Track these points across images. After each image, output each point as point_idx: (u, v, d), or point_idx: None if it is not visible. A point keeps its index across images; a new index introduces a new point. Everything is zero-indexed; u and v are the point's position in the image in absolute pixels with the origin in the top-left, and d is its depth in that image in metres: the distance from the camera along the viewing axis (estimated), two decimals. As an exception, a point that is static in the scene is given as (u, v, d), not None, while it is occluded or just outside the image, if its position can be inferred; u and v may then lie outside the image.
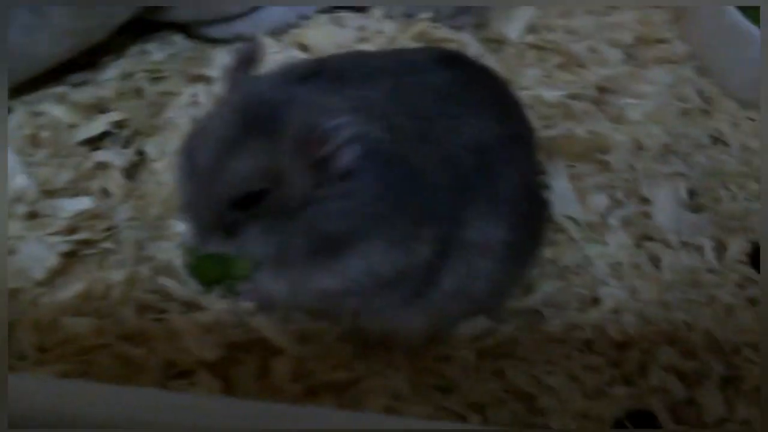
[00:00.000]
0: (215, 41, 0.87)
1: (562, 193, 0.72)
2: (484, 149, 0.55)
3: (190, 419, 0.40)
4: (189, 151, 0.51)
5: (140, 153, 0.75)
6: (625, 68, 0.88)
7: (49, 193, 0.69)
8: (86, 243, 0.66)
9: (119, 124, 0.76)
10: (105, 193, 0.71)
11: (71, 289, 0.62)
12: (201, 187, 0.50)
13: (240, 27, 0.86)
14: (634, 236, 0.71)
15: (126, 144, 0.75)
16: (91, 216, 0.67)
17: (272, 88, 0.51)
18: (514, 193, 0.57)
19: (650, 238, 0.71)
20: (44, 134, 0.74)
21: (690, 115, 0.84)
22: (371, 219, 0.51)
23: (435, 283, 0.55)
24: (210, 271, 0.63)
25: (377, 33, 0.87)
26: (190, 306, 0.61)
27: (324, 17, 0.89)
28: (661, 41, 0.94)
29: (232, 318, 0.59)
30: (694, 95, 0.86)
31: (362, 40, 0.87)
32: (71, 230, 0.66)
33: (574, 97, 0.82)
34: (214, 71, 0.82)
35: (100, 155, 0.72)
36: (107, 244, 0.67)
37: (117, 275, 0.63)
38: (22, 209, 0.66)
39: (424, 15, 0.89)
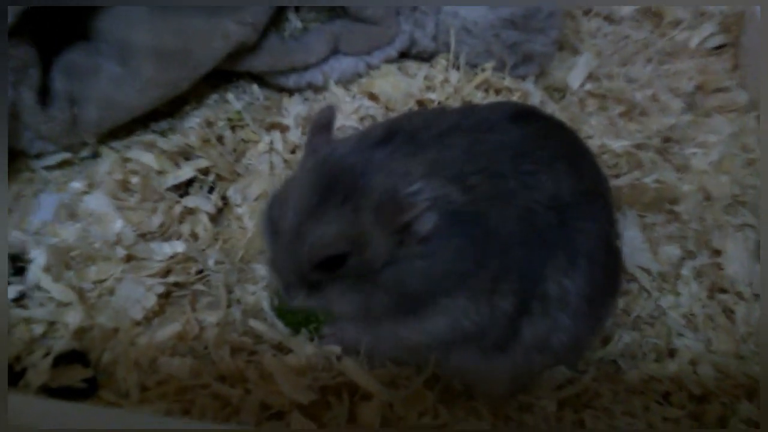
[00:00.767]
0: (289, 90, 0.91)
1: (634, 244, 0.73)
2: (560, 204, 0.57)
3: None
4: (274, 214, 0.54)
5: (224, 198, 0.79)
6: (687, 117, 0.89)
7: (143, 236, 0.73)
8: (178, 285, 0.70)
9: (204, 171, 0.80)
10: (194, 236, 0.74)
11: (168, 330, 0.65)
12: (286, 249, 0.53)
13: (311, 77, 0.90)
14: (707, 287, 0.72)
15: (210, 189, 0.80)
16: (184, 259, 0.71)
17: (350, 154, 0.53)
18: (591, 246, 0.58)
19: (723, 290, 0.72)
20: (134, 179, 0.78)
21: (754, 166, 0.85)
22: (452, 277, 0.53)
23: (516, 337, 0.56)
24: (296, 314, 0.67)
25: (443, 82, 0.90)
26: (280, 348, 0.64)
27: (392, 67, 0.93)
28: (721, 90, 0.95)
29: (321, 361, 0.62)
30: (756, 145, 0.87)
31: (429, 89, 0.90)
32: (166, 272, 0.70)
33: (639, 146, 0.83)
34: (288, 119, 0.87)
35: (189, 200, 0.76)
36: (198, 286, 0.70)
37: (210, 317, 0.66)
38: (120, 252, 0.70)
39: (487, 64, 0.92)
